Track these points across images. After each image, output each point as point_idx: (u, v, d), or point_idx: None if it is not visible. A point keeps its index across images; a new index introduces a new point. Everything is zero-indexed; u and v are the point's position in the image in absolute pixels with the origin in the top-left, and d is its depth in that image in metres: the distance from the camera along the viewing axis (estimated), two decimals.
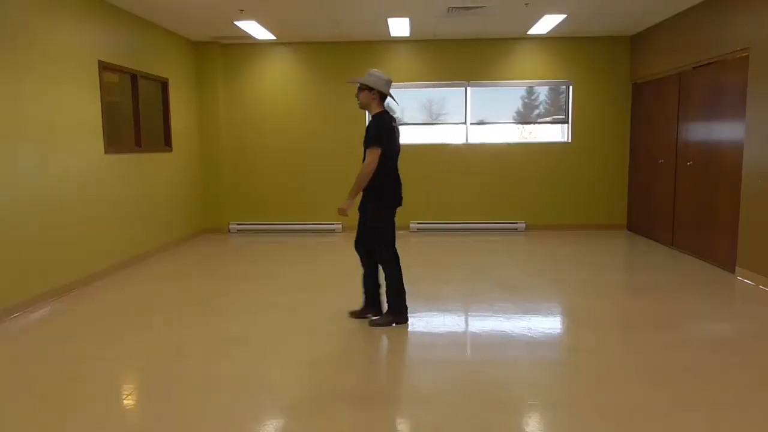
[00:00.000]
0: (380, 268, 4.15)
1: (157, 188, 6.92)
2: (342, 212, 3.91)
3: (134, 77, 6.44)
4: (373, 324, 4.09)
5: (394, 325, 4.09)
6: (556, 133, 8.40)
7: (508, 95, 8.30)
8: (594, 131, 8.16)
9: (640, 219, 7.78)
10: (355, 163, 8.02)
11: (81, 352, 3.66)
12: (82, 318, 4.40)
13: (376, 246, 4.07)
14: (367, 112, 4.27)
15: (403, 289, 4.10)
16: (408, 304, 4.19)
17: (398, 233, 4.19)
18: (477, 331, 4.00)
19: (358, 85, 3.98)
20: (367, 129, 3.94)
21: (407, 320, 4.13)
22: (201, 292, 5.15)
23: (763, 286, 5.03)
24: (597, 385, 3.08)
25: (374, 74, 3.95)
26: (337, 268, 6.01)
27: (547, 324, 4.14)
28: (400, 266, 4.09)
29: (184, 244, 7.57)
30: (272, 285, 5.37)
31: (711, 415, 2.73)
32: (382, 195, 3.97)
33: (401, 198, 4.06)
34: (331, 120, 8.27)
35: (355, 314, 4.26)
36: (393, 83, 4.14)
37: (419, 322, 4.20)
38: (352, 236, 7.95)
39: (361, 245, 4.18)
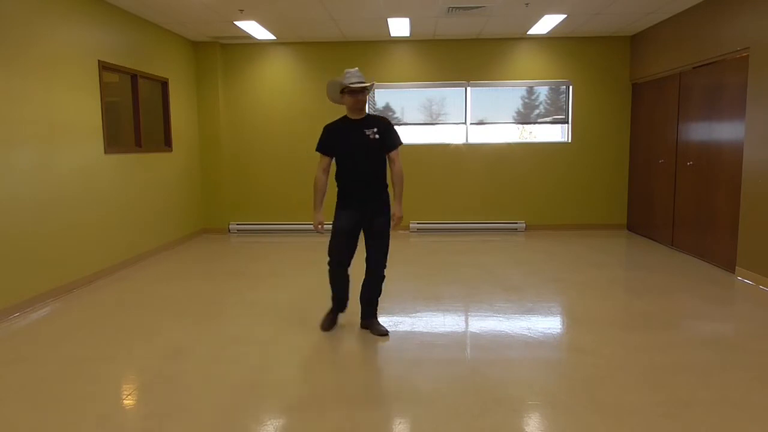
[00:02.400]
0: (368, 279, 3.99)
1: (157, 188, 6.92)
2: (400, 221, 3.84)
3: (134, 77, 6.44)
4: (383, 333, 3.94)
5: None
6: (556, 133, 8.40)
7: (508, 95, 8.30)
8: (594, 131, 8.16)
9: (640, 219, 7.78)
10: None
11: (81, 352, 3.66)
12: (82, 318, 4.40)
13: (384, 255, 3.86)
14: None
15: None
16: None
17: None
18: (477, 331, 4.00)
19: (364, 85, 3.75)
20: (388, 130, 3.78)
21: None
22: (201, 292, 5.15)
23: (763, 286, 5.03)
24: (597, 385, 3.08)
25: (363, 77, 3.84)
26: None
27: (547, 324, 4.14)
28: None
29: (184, 244, 7.57)
30: (272, 285, 5.38)
31: (710, 415, 2.74)
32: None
33: None
34: (330, 120, 8.23)
35: (328, 326, 4.08)
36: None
37: (419, 322, 4.20)
38: None
39: (349, 260, 3.91)
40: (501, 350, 3.62)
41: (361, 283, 4.00)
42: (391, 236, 3.90)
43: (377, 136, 3.76)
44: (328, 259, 3.96)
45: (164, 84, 7.18)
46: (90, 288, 5.30)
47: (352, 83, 3.71)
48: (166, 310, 4.58)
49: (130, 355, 3.60)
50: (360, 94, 3.75)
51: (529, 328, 4.03)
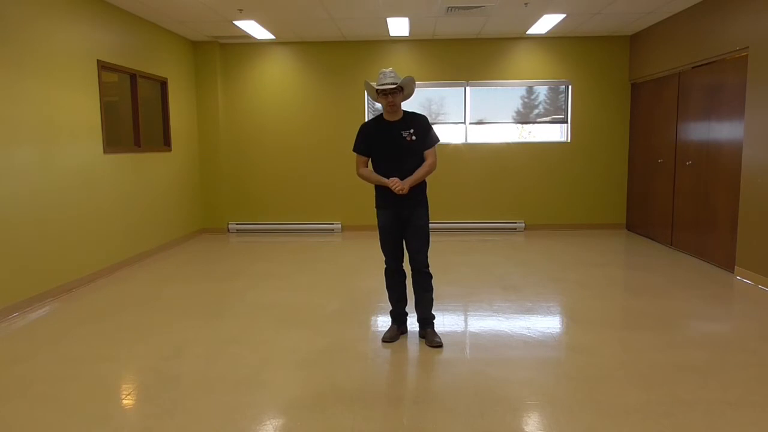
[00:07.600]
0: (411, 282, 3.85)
1: (157, 188, 6.92)
2: (400, 188, 3.53)
3: (133, 77, 6.43)
4: (437, 345, 3.74)
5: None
6: (556, 133, 8.40)
7: (507, 95, 8.30)
8: (593, 131, 8.16)
9: (639, 218, 7.79)
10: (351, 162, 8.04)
11: (80, 352, 3.66)
12: (81, 318, 4.40)
13: (426, 255, 3.72)
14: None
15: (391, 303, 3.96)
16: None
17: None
18: (477, 331, 4.00)
19: (395, 85, 3.56)
20: (425, 130, 3.68)
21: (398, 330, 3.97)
22: (200, 291, 5.15)
23: (762, 285, 5.03)
24: (596, 385, 3.09)
25: (399, 76, 3.66)
26: (336, 268, 6.00)
27: (547, 323, 4.14)
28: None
29: (183, 243, 7.56)
30: (271, 285, 5.37)
31: (710, 415, 2.74)
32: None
33: None
34: (329, 119, 8.27)
35: (389, 339, 3.86)
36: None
37: None
38: (351, 236, 8.01)
39: (401, 254, 3.80)
40: (500, 350, 3.63)
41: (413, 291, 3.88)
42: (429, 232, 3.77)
43: (414, 137, 3.64)
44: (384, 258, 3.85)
45: (163, 83, 7.18)
46: (89, 288, 5.30)
47: (380, 85, 3.55)
48: (165, 310, 4.57)
49: (130, 355, 3.60)
50: (391, 95, 3.57)
51: (528, 328, 4.03)
